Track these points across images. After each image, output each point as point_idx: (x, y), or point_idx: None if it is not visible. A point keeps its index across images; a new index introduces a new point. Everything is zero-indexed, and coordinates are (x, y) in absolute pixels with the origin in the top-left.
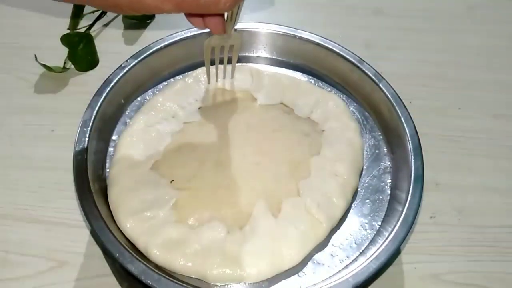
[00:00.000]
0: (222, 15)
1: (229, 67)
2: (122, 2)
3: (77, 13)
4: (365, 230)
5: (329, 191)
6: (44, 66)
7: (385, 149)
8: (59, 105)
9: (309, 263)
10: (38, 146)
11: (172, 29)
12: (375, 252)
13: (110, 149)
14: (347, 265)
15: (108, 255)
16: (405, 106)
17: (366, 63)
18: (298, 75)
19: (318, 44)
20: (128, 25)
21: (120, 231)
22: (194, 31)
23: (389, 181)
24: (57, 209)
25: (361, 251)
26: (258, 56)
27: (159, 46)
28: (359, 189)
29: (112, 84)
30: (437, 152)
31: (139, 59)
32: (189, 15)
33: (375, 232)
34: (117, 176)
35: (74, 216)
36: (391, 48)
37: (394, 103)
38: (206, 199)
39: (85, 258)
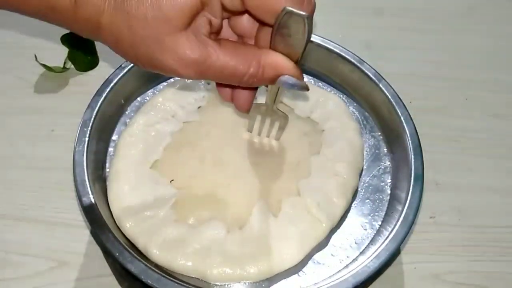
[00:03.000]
0: (251, 91)
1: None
2: (141, 57)
3: None
4: (365, 230)
5: (329, 190)
6: (44, 66)
7: (385, 149)
8: (59, 105)
9: (309, 262)
10: (38, 146)
11: None
12: (375, 251)
13: (110, 149)
14: (347, 265)
15: (108, 255)
16: (405, 106)
17: (366, 63)
18: None
19: (318, 44)
20: None
21: (120, 230)
22: None
23: (389, 181)
24: (57, 209)
25: (361, 250)
26: None
27: None
28: (359, 188)
29: (112, 84)
30: (437, 152)
31: None
32: (218, 85)
33: (375, 232)
34: (116, 175)
35: (74, 216)
36: (391, 48)
37: (394, 103)
38: (206, 199)
39: (85, 258)
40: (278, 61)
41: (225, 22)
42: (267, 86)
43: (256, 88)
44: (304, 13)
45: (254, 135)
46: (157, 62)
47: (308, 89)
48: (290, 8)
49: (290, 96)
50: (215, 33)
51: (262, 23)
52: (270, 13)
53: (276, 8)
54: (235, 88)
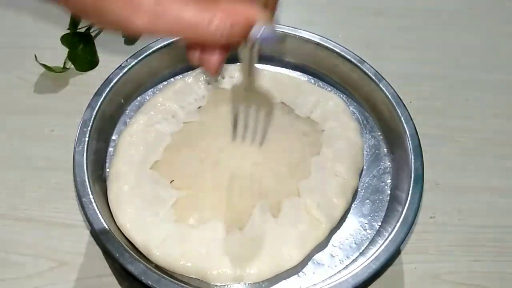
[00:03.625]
0: (221, 53)
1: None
2: (88, 6)
3: None
4: (365, 230)
5: (329, 191)
6: (44, 66)
7: (385, 149)
8: (59, 105)
9: (309, 263)
10: (38, 146)
11: None
12: (375, 252)
13: (110, 149)
14: (347, 265)
15: (108, 255)
16: (405, 106)
17: (367, 63)
18: (298, 75)
19: (318, 44)
20: None
21: (120, 231)
22: None
23: (389, 181)
24: (57, 209)
25: (361, 251)
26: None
27: (159, 46)
28: (359, 189)
29: (112, 83)
30: (437, 152)
31: (139, 58)
32: (187, 47)
33: (375, 232)
34: (117, 176)
35: (74, 216)
36: (391, 48)
37: (394, 103)
38: (206, 199)
39: (85, 258)
40: (247, 8)
41: None
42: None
43: (227, 50)
44: None
45: (241, 130)
46: (103, 9)
47: (284, 40)
48: None
49: (291, 96)
50: None
51: None
52: None
53: None
54: (204, 49)
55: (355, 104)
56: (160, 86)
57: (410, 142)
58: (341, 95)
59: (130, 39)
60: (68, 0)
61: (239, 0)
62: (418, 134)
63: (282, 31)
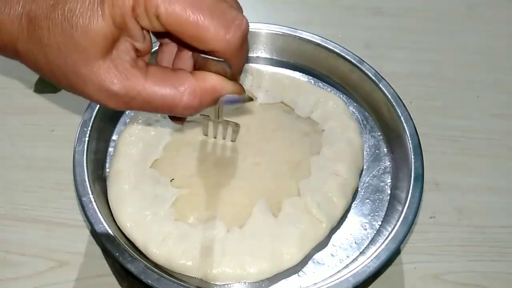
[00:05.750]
0: None
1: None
2: (64, 85)
3: None
4: (365, 229)
5: (329, 190)
6: None
7: (385, 149)
8: (59, 105)
9: (309, 262)
10: (38, 146)
11: None
12: (375, 251)
13: (110, 149)
14: (347, 265)
15: (108, 254)
16: (405, 106)
17: (366, 63)
18: (298, 75)
19: (318, 44)
20: None
21: (120, 230)
22: None
23: (389, 181)
24: (57, 209)
25: (361, 250)
26: (258, 56)
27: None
28: (359, 189)
29: None
30: (437, 152)
31: None
32: None
33: (375, 232)
34: (116, 175)
35: (74, 216)
36: (391, 48)
37: (394, 103)
38: (206, 198)
39: (85, 258)
40: (214, 83)
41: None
42: None
43: None
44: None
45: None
46: (79, 92)
47: (252, 99)
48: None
49: (291, 96)
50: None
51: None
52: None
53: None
54: None
55: (355, 104)
56: None
57: (410, 142)
58: (341, 95)
59: None
60: (43, 74)
61: (205, 65)
62: (418, 134)
63: (248, 96)
